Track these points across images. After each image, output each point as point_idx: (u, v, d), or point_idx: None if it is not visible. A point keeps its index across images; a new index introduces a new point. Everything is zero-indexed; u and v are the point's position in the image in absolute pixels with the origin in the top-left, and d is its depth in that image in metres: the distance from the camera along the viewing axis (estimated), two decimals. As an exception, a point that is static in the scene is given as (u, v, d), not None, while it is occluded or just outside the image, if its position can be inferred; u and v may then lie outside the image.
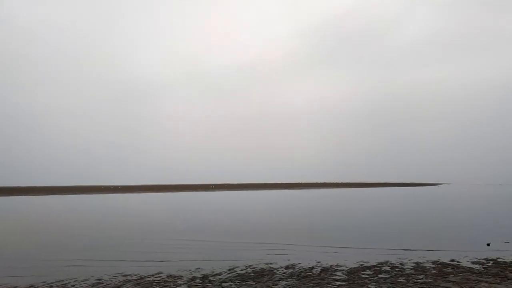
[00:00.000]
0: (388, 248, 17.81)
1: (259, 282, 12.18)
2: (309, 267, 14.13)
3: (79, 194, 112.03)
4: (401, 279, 12.15)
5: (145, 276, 13.12)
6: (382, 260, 15.18)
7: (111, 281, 12.62)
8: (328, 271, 13.51)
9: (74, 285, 12.17)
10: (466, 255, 15.80)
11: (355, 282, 11.92)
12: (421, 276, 12.49)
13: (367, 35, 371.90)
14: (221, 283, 12.12)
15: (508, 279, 11.87)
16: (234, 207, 50.32)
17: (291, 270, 13.83)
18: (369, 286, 11.42)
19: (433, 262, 14.60)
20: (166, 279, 12.74)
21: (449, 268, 13.54)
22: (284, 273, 13.38)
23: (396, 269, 13.56)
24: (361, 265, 14.38)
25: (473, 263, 14.42)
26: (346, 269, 13.74)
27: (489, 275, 12.43)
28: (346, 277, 12.60)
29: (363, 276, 12.69)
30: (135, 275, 13.36)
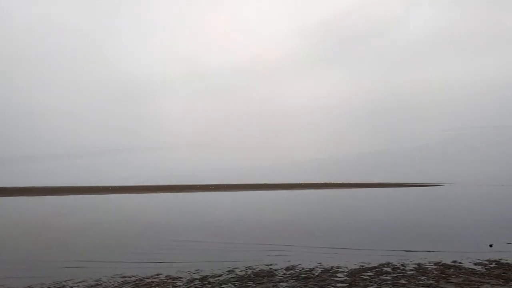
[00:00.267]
0: (389, 249, 17.69)
1: (259, 283, 12.06)
2: (310, 269, 14.01)
3: (78, 194, 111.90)
4: (402, 281, 12.04)
5: (144, 278, 13.01)
6: (383, 261, 15.06)
7: (110, 282, 12.51)
8: (329, 272, 13.40)
9: (72, 287, 12.08)
10: (469, 256, 15.67)
11: (356, 283, 11.81)
12: (423, 278, 12.38)
13: (367, 34, 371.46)
14: (220, 284, 12.00)
15: (511, 281, 11.76)
16: (234, 207, 50.22)
17: (292, 271, 13.72)
18: (371, 287, 11.31)
19: (435, 264, 14.48)
20: (165, 280, 12.63)
21: (451, 270, 13.43)
22: (284, 274, 13.27)
23: (398, 271, 13.44)
24: (362, 266, 14.26)
25: (475, 264, 14.30)
26: (347, 270, 13.62)
27: (492, 277, 12.32)
28: (347, 278, 12.49)
29: (364, 277, 12.57)
30: (133, 276, 13.25)
